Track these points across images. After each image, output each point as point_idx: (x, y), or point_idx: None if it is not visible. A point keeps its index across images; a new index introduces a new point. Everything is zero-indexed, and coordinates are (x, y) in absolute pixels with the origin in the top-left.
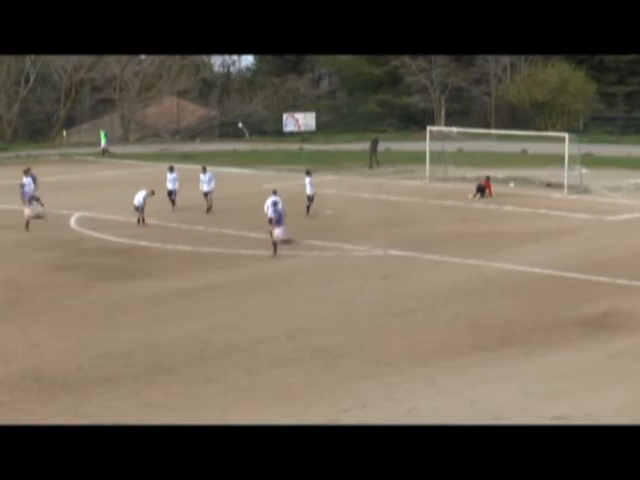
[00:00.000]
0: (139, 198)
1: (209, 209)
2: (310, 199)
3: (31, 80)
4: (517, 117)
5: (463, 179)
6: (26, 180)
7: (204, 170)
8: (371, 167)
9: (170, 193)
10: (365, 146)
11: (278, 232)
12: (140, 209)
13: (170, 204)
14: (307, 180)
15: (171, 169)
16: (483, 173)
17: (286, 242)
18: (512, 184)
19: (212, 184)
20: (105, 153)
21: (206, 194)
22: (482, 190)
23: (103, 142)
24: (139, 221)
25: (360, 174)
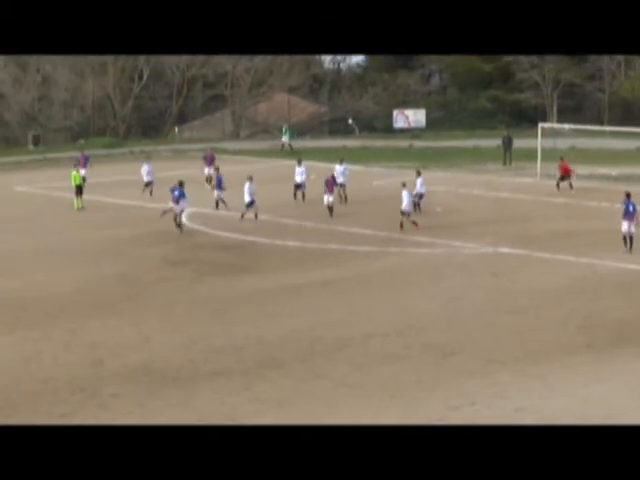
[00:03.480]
0: (249, 191)
1: (345, 199)
2: (420, 197)
3: (144, 77)
4: (631, 113)
5: (576, 176)
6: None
7: (341, 162)
8: (505, 164)
9: (298, 186)
10: (476, 142)
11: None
12: (254, 203)
13: (300, 197)
14: (418, 180)
15: (299, 162)
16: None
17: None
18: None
19: (347, 175)
20: (285, 148)
21: (341, 185)
22: (562, 178)
23: (285, 137)
24: (255, 216)
25: (471, 171)
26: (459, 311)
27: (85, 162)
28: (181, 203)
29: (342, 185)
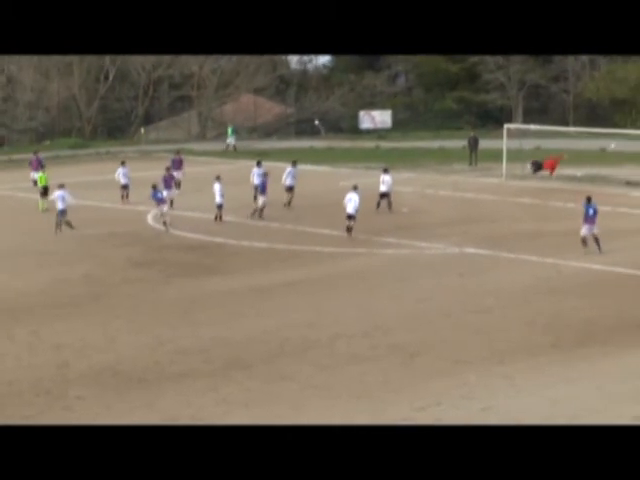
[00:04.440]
0: (220, 192)
1: (289, 203)
2: (384, 196)
3: (110, 78)
4: (596, 114)
5: (541, 177)
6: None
7: (293, 164)
8: (471, 164)
9: (257, 188)
10: (442, 143)
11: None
12: (222, 206)
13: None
14: (384, 177)
15: (258, 164)
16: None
17: None
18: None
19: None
20: (229, 149)
21: (290, 188)
22: (538, 166)
23: (230, 138)
24: (217, 218)
25: (437, 171)
26: (426, 312)
27: (37, 165)
28: (160, 205)
29: (291, 188)
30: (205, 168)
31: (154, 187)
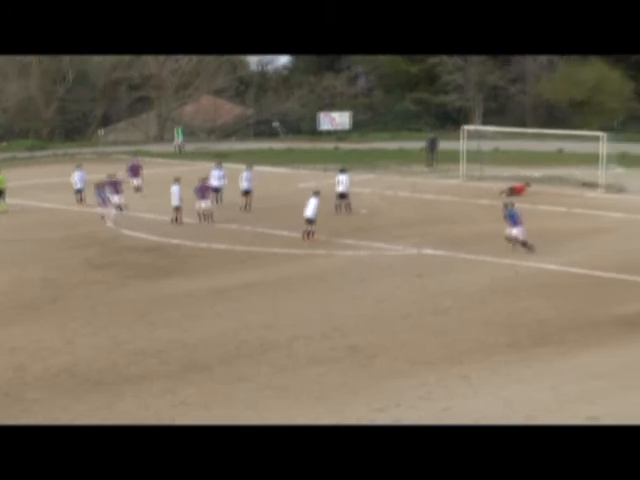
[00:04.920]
0: (176, 195)
1: (247, 206)
2: (342, 197)
3: (68, 79)
4: (554, 116)
5: (499, 178)
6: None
7: (248, 167)
8: (429, 166)
9: (216, 190)
10: (402, 144)
11: None
12: (179, 208)
13: (219, 200)
14: (341, 178)
15: (218, 165)
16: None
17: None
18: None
19: (224, 181)
20: (181, 150)
21: (247, 192)
22: (512, 191)
23: (179, 139)
24: (175, 220)
25: (396, 172)
26: (384, 313)
27: None
28: (109, 206)
29: (248, 191)
30: (163, 170)
31: (98, 186)
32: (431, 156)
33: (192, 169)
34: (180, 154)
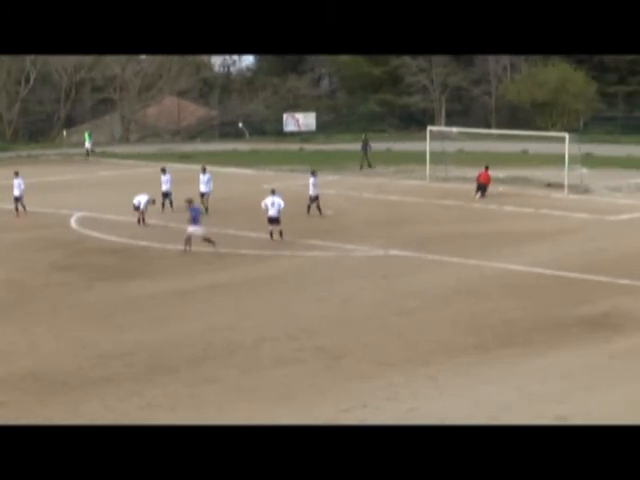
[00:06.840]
0: (140, 200)
1: (205, 210)
2: (313, 199)
3: (31, 80)
4: (517, 117)
5: (464, 179)
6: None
7: (204, 170)
8: (362, 168)
9: (165, 195)
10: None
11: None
12: (140, 209)
13: (168, 206)
14: (311, 180)
15: (163, 171)
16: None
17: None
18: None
19: (210, 185)
20: (89, 154)
21: (203, 195)
22: (483, 188)
23: (88, 143)
24: (139, 221)
25: (361, 174)
26: (350, 314)
27: None
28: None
29: (204, 194)
30: (129, 171)
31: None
32: (364, 157)
33: (157, 170)
34: (87, 157)
